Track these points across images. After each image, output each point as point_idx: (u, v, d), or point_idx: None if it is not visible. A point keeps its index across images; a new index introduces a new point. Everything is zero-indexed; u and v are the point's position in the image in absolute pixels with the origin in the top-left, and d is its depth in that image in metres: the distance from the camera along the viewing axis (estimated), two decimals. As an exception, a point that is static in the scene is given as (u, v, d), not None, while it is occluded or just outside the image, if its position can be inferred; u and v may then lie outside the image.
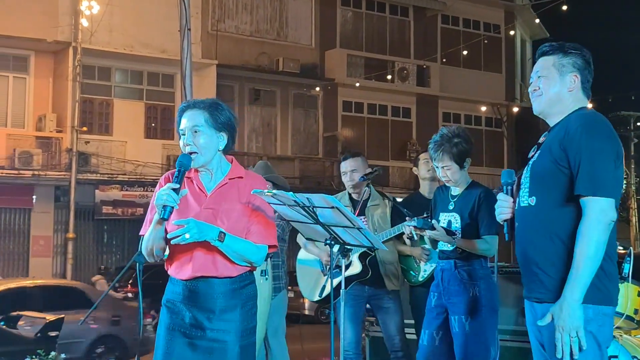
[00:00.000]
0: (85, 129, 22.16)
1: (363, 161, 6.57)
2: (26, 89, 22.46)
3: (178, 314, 3.86)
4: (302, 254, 6.81)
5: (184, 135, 3.89)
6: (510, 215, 3.64)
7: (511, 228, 3.64)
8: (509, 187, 3.68)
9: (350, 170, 6.48)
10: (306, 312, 20.73)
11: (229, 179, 3.94)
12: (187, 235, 3.67)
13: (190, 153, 3.86)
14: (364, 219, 6.34)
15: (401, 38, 29.73)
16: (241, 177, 3.96)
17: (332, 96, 27.71)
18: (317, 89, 27.41)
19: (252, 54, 26.05)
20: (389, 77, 28.22)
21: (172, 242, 3.74)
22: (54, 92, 22.59)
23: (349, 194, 6.56)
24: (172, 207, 3.69)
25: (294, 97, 27.17)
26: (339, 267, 5.32)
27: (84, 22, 21.49)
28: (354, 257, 6.25)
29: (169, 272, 3.96)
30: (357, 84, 27.36)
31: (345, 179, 6.53)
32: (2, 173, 20.86)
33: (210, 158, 3.90)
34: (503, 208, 3.66)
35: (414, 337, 6.41)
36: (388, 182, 26.09)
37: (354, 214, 6.24)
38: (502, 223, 3.67)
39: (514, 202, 3.65)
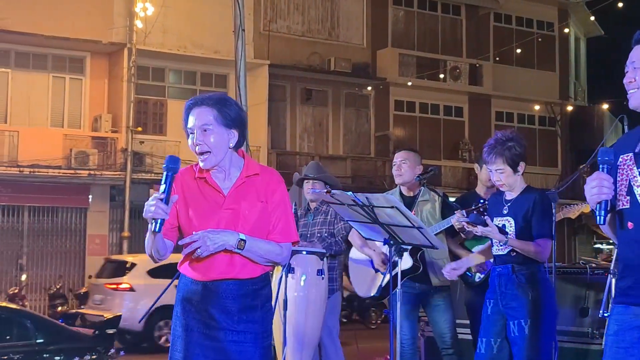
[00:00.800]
0: (139, 129, 22.41)
1: (416, 156, 6.54)
2: (82, 89, 22.78)
3: (195, 314, 3.75)
4: (354, 253, 6.81)
5: (193, 134, 3.74)
6: (612, 195, 3.19)
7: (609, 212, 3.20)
8: (607, 166, 3.21)
9: (400, 160, 6.43)
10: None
11: (246, 176, 3.81)
12: (199, 251, 3.61)
13: (201, 153, 3.73)
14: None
15: (453, 37, 29.57)
16: (257, 174, 3.83)
17: (383, 95, 27.66)
18: (369, 88, 27.39)
19: (304, 54, 26.11)
20: (441, 76, 28.09)
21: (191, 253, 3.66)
22: (109, 92, 22.88)
23: (400, 191, 6.55)
24: (163, 220, 3.53)
25: (346, 97, 27.18)
26: (393, 265, 5.32)
27: (139, 24, 21.74)
28: (405, 252, 6.20)
29: (182, 271, 3.85)
30: (409, 83, 27.28)
31: (394, 170, 6.48)
32: (59, 173, 21.19)
33: (222, 157, 3.75)
34: (603, 187, 3.15)
35: (468, 336, 6.40)
36: (440, 182, 25.96)
37: None
38: (594, 205, 3.19)
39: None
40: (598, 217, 3.17)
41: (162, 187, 3.53)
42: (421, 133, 28.27)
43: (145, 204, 3.52)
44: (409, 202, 6.34)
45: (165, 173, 3.55)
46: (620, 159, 3.32)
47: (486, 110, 29.60)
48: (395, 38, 28.16)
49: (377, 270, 6.43)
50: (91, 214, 22.40)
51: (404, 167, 6.40)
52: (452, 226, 6.07)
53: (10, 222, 21.55)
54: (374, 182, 25.31)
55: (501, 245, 5.15)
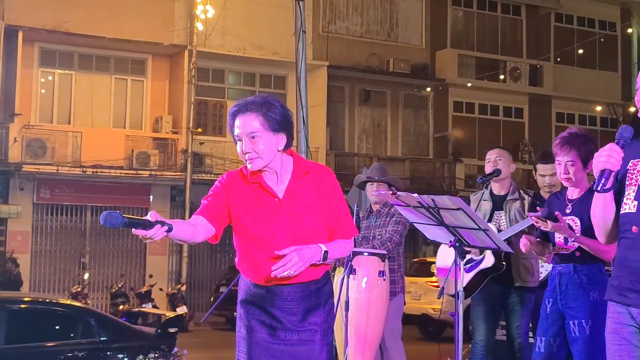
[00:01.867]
0: (200, 130, 22.62)
1: (509, 154, 6.50)
2: (144, 91, 23.09)
3: (259, 315, 3.74)
4: (440, 253, 6.68)
5: (240, 141, 3.69)
6: (617, 168, 3.35)
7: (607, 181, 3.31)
8: (622, 142, 3.34)
9: (495, 157, 6.36)
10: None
11: (298, 177, 3.75)
12: (292, 272, 3.52)
13: (250, 160, 3.67)
14: (502, 213, 6.27)
15: (513, 37, 29.30)
16: (308, 173, 3.77)
17: (442, 96, 27.53)
18: (428, 89, 27.28)
19: (362, 55, 26.10)
20: (501, 77, 27.85)
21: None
22: (170, 94, 23.16)
23: (491, 190, 6.46)
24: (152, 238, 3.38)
25: (405, 98, 27.10)
26: (469, 263, 5.25)
27: (199, 26, 21.96)
28: (488, 250, 6.07)
29: (242, 273, 3.83)
30: (469, 84, 27.10)
31: (487, 167, 6.39)
32: (121, 173, 21.50)
33: (270, 160, 3.68)
34: (611, 157, 3.30)
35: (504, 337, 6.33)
36: (500, 183, 25.69)
37: (493, 209, 6.19)
38: (597, 172, 3.32)
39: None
40: (597, 183, 3.30)
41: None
42: (480, 134, 28.04)
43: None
44: (500, 201, 6.30)
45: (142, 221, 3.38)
46: (630, 164, 3.43)
47: (547, 112, 29.26)
48: (455, 39, 28.00)
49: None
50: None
51: (500, 163, 6.34)
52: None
53: (73, 222, 21.92)
54: (433, 184, 25.21)
55: (569, 244, 5.07)
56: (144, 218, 3.37)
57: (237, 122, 3.70)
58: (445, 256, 6.48)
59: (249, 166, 3.71)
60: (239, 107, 3.72)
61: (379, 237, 6.77)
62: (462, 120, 27.99)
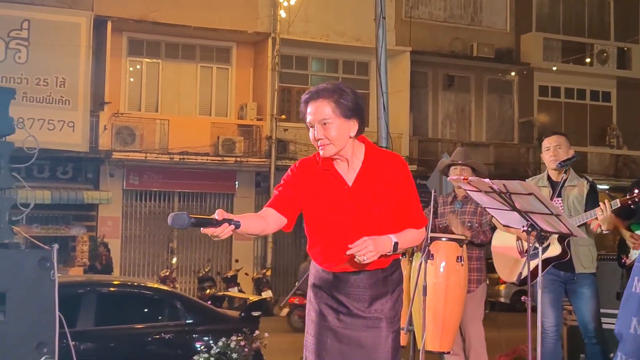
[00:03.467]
0: (284, 117, 22.86)
1: (567, 140, 6.44)
2: (228, 79, 23.41)
3: (327, 300, 3.80)
4: (496, 239, 6.74)
5: (313, 127, 3.71)
6: None
7: None
8: None
9: (554, 145, 6.30)
10: (502, 300, 20.52)
11: (368, 164, 3.76)
12: (365, 258, 3.51)
13: (322, 146, 3.69)
14: (560, 200, 6.26)
15: (600, 19, 28.69)
16: (379, 160, 3.77)
17: (527, 81, 27.17)
18: (513, 73, 26.95)
19: (445, 40, 25.94)
20: (588, 60, 27.34)
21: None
22: (254, 81, 23.43)
23: (548, 176, 6.48)
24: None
25: (489, 83, 26.85)
26: (537, 249, 5.24)
27: (282, 13, 22.19)
28: (554, 238, 6.03)
29: (312, 258, 3.88)
30: (554, 68, 26.69)
31: (547, 155, 6.33)
32: (207, 160, 21.89)
33: (342, 146, 3.70)
34: None
35: (611, 326, 6.29)
36: (586, 169, 25.32)
37: (552, 195, 6.18)
38: None
39: None
40: None
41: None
42: (566, 119, 27.60)
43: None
44: (558, 187, 6.25)
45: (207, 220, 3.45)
46: None
47: (636, 95, 28.55)
48: (540, 22, 27.56)
49: (521, 253, 6.35)
50: (237, 199, 23.01)
51: (559, 151, 6.30)
52: (627, 207, 5.93)
53: (161, 207, 22.39)
54: (518, 170, 24.92)
55: None
56: (210, 217, 3.43)
57: (309, 109, 3.72)
58: (501, 237, 6.52)
59: (321, 152, 3.73)
60: (310, 94, 3.74)
61: (469, 224, 6.73)
62: (548, 105, 27.58)
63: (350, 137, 3.73)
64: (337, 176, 3.77)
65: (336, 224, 3.75)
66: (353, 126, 3.72)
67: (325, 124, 3.68)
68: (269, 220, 3.77)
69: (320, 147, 3.72)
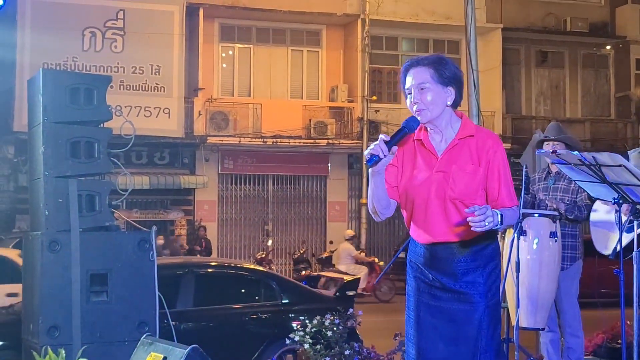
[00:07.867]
0: (374, 98, 22.86)
1: None
2: (319, 61, 23.53)
3: (421, 275, 3.84)
4: (596, 213, 6.61)
5: (410, 94, 3.76)
6: None
7: None
8: None
9: None
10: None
11: (459, 138, 3.76)
12: (485, 224, 3.47)
13: (418, 111, 3.73)
14: None
15: (700, -12, 27.76)
16: (472, 136, 3.77)
17: (624, 54, 26.49)
18: (608, 47, 26.35)
19: (538, 15, 25.50)
20: (687, 31, 26.53)
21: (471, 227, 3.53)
22: (345, 63, 23.48)
23: None
24: (378, 157, 3.56)
25: (583, 58, 26.30)
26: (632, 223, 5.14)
27: (371, -6, 22.18)
28: None
29: (410, 233, 3.92)
30: (651, 40, 26.01)
31: None
32: (299, 142, 22.09)
33: (438, 113, 3.74)
34: None
35: None
36: (686, 143, 24.61)
37: None
38: None
39: None
40: None
41: (393, 136, 3.63)
42: (666, 92, 26.85)
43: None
44: None
45: (401, 127, 3.67)
46: None
47: None
48: (636, -7, 26.85)
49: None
50: (331, 181, 23.16)
51: None
52: None
53: (256, 190, 22.72)
54: (615, 146, 24.36)
55: None
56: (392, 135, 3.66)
57: (408, 76, 3.79)
58: (601, 209, 6.39)
59: (418, 118, 3.75)
60: (411, 62, 3.83)
61: (561, 199, 6.65)
62: (646, 78, 26.88)
63: (447, 106, 3.78)
64: (429, 147, 3.81)
65: (422, 195, 3.79)
66: (450, 94, 3.77)
67: (422, 88, 3.73)
68: (391, 202, 3.89)
69: (416, 112, 3.75)
